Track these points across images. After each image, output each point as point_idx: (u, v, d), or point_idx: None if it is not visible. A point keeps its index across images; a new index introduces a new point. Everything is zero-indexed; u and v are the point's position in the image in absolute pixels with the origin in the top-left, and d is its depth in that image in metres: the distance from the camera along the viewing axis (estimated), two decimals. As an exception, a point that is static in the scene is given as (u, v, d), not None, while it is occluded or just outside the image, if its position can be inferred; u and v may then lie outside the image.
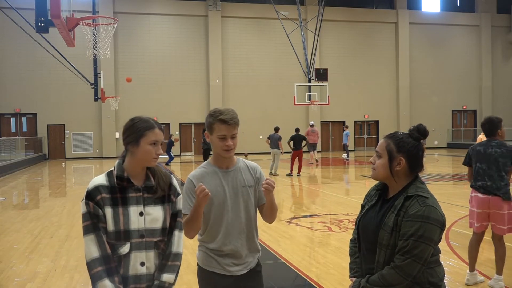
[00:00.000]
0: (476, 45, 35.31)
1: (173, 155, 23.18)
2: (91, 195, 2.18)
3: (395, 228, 2.15)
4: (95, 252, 2.14)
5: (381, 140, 2.35)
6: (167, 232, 2.32)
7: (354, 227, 2.46)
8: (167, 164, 22.72)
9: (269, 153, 17.40)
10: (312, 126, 21.47)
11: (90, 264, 2.15)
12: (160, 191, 2.30)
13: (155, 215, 2.27)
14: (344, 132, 23.80)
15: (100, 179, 2.23)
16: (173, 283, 2.31)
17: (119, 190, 2.22)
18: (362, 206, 2.44)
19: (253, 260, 2.74)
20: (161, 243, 2.31)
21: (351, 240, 2.52)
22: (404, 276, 2.10)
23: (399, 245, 2.12)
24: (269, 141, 16.72)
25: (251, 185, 2.71)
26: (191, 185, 2.64)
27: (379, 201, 2.35)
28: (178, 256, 2.34)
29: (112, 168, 2.29)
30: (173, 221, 2.35)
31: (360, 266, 2.38)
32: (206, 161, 2.75)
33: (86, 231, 2.17)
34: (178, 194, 2.39)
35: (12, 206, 11.29)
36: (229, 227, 2.65)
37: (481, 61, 35.26)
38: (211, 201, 2.61)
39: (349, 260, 2.51)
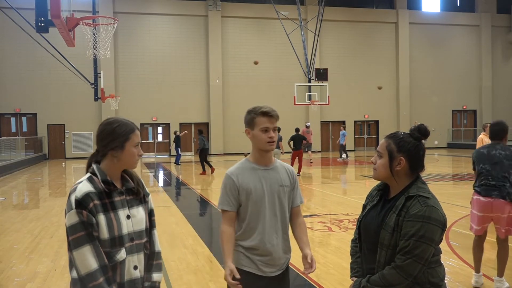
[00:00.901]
0: (476, 45, 35.31)
1: (179, 152, 22.85)
2: (82, 203, 2.07)
3: (396, 228, 2.15)
4: (94, 263, 2.05)
5: (382, 140, 2.35)
6: (148, 232, 2.34)
7: (354, 227, 2.47)
8: (177, 163, 22.38)
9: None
10: (308, 127, 21.49)
11: (88, 277, 2.04)
12: (141, 192, 2.31)
13: (140, 216, 2.27)
14: (341, 132, 23.57)
15: (87, 186, 2.12)
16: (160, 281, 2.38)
17: (106, 195, 2.16)
18: (364, 206, 2.44)
19: (285, 262, 2.77)
20: (147, 243, 2.32)
21: (352, 240, 2.52)
22: (404, 276, 2.10)
23: (400, 245, 2.12)
24: None
25: (287, 185, 2.74)
26: (230, 181, 2.66)
27: (380, 201, 2.35)
28: (160, 254, 2.39)
29: (89, 174, 2.20)
30: (149, 220, 2.36)
31: (361, 266, 2.38)
32: (243, 159, 2.78)
33: (80, 242, 2.05)
34: (148, 194, 2.39)
35: (12, 206, 11.28)
36: (266, 225, 2.66)
37: (481, 61, 35.26)
38: (249, 197, 2.64)
39: (349, 260, 2.51)
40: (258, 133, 2.65)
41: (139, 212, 2.27)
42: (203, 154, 17.81)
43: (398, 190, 2.27)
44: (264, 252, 2.65)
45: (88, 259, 2.05)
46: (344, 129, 24.02)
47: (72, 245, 2.07)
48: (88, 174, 2.20)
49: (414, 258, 2.08)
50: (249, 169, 2.69)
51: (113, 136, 2.20)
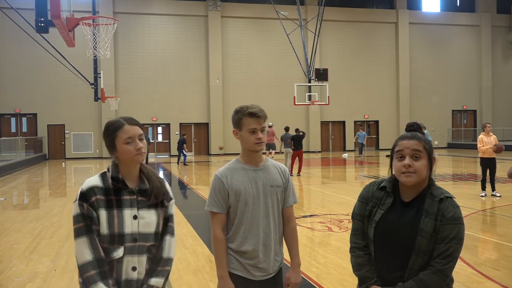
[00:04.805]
0: (476, 45, 35.31)
1: (184, 153, 22.75)
2: (85, 196, 2.12)
3: (433, 234, 2.07)
4: (88, 255, 2.07)
5: (411, 141, 2.13)
6: (159, 237, 2.27)
7: (358, 233, 2.27)
8: (184, 163, 22.36)
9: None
10: (270, 126, 20.99)
11: (82, 268, 2.08)
12: (153, 198, 2.24)
13: (149, 219, 2.22)
14: (358, 133, 27.39)
15: (95, 180, 2.17)
16: None
17: (114, 192, 2.17)
18: (369, 210, 2.23)
19: (277, 264, 2.67)
20: (153, 248, 2.25)
21: (357, 247, 2.28)
22: (444, 279, 2.07)
23: (438, 249, 2.05)
24: (281, 141, 17.02)
25: (279, 185, 2.65)
26: (219, 182, 2.57)
27: (395, 204, 2.18)
28: (169, 261, 2.29)
29: (106, 170, 2.23)
30: (165, 226, 2.30)
31: (378, 275, 2.20)
32: (233, 159, 2.68)
33: (79, 233, 2.10)
34: (171, 199, 2.34)
35: (12, 206, 11.28)
36: (256, 227, 2.57)
37: (481, 61, 35.26)
38: (239, 198, 2.55)
39: (349, 260, 2.36)
40: (245, 134, 2.56)
41: (150, 215, 2.22)
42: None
43: (416, 192, 2.15)
44: (255, 255, 2.56)
45: (84, 251, 2.09)
46: (362, 131, 27.38)
47: (74, 234, 2.14)
48: (105, 170, 2.25)
49: (454, 261, 2.06)
50: (239, 170, 2.59)
51: (105, 139, 2.25)
